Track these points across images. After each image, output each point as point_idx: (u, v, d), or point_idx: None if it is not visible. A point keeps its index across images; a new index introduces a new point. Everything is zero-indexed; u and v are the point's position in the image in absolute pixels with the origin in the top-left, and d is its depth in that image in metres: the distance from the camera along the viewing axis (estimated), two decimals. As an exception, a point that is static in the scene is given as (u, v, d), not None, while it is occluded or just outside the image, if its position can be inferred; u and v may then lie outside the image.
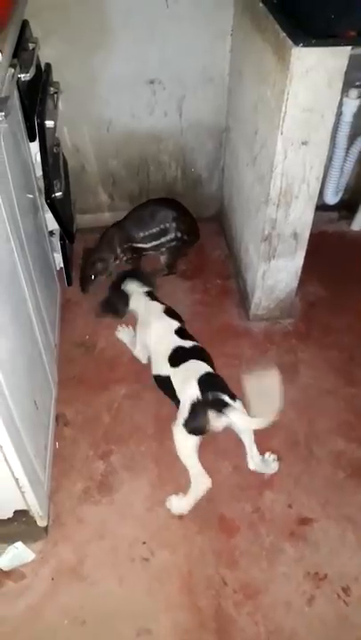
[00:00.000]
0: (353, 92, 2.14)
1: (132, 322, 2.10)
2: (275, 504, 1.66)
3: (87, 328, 2.22)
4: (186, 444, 1.62)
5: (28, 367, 1.52)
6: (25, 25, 1.86)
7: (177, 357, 1.75)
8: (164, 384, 1.76)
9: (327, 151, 1.76)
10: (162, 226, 2.30)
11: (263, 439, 1.82)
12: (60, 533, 1.62)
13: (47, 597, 1.50)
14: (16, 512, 1.52)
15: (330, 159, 2.36)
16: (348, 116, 2.21)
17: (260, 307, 2.19)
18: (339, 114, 2.19)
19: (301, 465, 1.78)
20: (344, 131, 2.26)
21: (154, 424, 1.88)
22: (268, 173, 1.80)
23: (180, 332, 1.85)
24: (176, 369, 1.72)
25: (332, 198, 2.52)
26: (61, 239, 2.14)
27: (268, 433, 1.84)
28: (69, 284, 2.34)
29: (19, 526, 1.54)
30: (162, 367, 1.78)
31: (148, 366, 2.05)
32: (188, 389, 1.62)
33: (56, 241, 2.14)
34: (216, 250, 2.59)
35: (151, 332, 1.91)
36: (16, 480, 1.37)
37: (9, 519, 1.53)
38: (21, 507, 1.49)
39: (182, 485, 1.64)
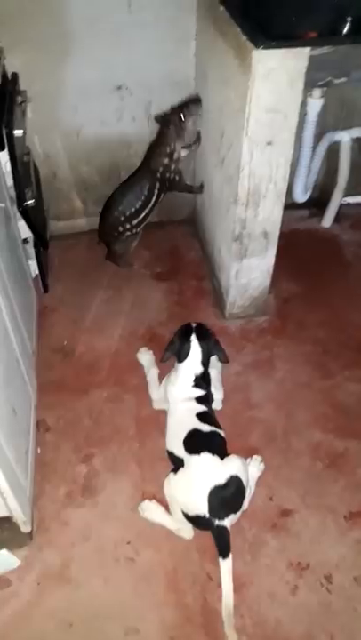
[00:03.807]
0: (316, 92, 2.19)
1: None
2: (256, 497, 1.68)
3: (65, 334, 2.22)
4: (177, 499, 1.58)
5: (3, 374, 1.52)
6: (-11, 35, 1.88)
7: (192, 443, 1.63)
8: (177, 461, 1.65)
9: (293, 150, 1.79)
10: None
11: (242, 434, 1.86)
12: (45, 538, 1.63)
13: (33, 603, 1.51)
14: (-1, 519, 1.52)
15: (297, 158, 2.41)
16: (312, 116, 2.26)
17: (234, 305, 2.23)
18: (303, 114, 2.24)
19: (280, 458, 1.81)
20: (310, 130, 2.31)
21: (135, 425, 1.90)
22: (235, 174, 1.83)
23: (203, 416, 1.71)
24: (190, 457, 1.60)
25: (301, 196, 2.57)
26: (35, 246, 2.15)
27: (246, 428, 1.89)
28: (46, 291, 2.35)
29: (2, 533, 1.55)
30: (177, 448, 1.66)
31: (127, 370, 2.07)
32: (198, 499, 1.51)
33: (30, 248, 2.15)
34: (190, 252, 2.62)
35: (174, 411, 1.78)
36: (-4, 486, 1.38)
37: (-8, 526, 1.53)
38: (4, 513, 1.49)
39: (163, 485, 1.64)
